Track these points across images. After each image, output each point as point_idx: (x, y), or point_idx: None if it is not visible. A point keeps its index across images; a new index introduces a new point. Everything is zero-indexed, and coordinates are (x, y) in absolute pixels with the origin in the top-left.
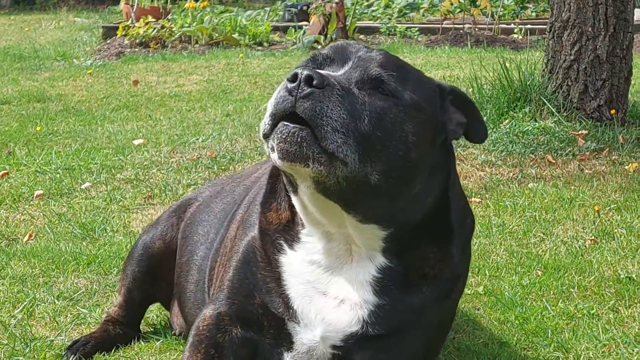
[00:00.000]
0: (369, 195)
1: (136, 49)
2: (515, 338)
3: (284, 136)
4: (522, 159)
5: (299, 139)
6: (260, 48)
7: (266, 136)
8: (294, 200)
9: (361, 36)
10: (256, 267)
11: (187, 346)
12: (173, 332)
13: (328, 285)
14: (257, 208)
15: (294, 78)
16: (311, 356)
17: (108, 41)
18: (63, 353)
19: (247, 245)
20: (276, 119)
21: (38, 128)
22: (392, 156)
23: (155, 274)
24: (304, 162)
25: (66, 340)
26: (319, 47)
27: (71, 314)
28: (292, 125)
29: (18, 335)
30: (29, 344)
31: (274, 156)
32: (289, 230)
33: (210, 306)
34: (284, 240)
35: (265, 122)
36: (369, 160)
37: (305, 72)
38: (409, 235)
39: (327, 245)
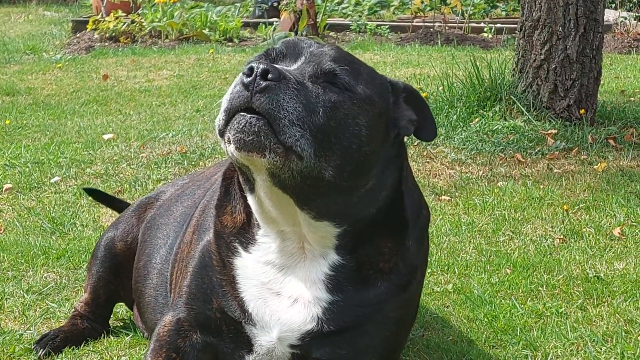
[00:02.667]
0: (323, 190)
1: (106, 43)
2: (484, 336)
3: (241, 126)
4: (492, 158)
5: (256, 129)
6: (230, 44)
7: (222, 132)
8: (250, 199)
9: (331, 33)
10: (212, 272)
11: (148, 351)
12: (142, 333)
13: (282, 285)
14: (211, 212)
15: (249, 72)
16: (271, 357)
17: (78, 35)
18: (32, 347)
19: (202, 250)
20: (231, 114)
21: (7, 121)
22: (346, 150)
23: (119, 274)
24: (260, 152)
25: (35, 334)
26: None
27: (40, 308)
28: (249, 115)
29: None
30: None
31: (231, 148)
32: (245, 233)
33: (170, 312)
34: (239, 242)
35: (219, 118)
36: (324, 154)
37: (262, 66)
38: (363, 231)
39: (281, 245)
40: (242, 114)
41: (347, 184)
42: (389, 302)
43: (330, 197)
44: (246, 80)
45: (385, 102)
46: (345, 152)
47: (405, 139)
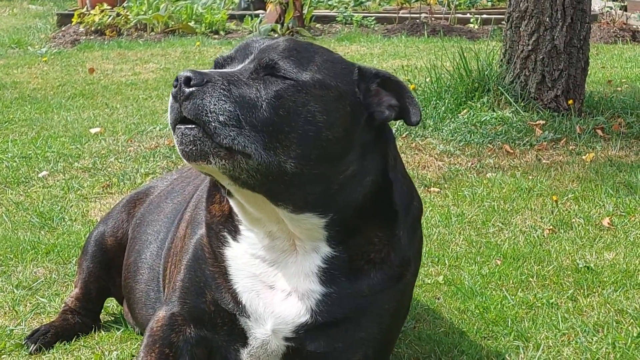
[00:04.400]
0: (292, 182)
1: (91, 37)
2: (475, 327)
3: (179, 138)
4: (480, 149)
5: (191, 138)
6: (216, 36)
7: None
8: (232, 203)
9: (318, 25)
10: (205, 264)
11: (141, 347)
12: (132, 328)
13: (275, 279)
14: (204, 205)
15: (175, 82)
16: (266, 350)
17: (63, 29)
18: (23, 342)
19: (195, 244)
20: (173, 128)
21: None
22: (303, 138)
23: (110, 269)
24: (205, 160)
25: (26, 329)
26: (276, 35)
27: (30, 303)
28: (183, 126)
29: None
30: None
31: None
32: (232, 222)
33: (164, 307)
34: (228, 232)
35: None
36: (279, 146)
37: (184, 74)
38: (352, 220)
39: (270, 243)
40: (178, 126)
41: (319, 172)
42: (383, 293)
43: (304, 188)
44: (173, 91)
45: (347, 86)
46: (303, 141)
47: (394, 130)
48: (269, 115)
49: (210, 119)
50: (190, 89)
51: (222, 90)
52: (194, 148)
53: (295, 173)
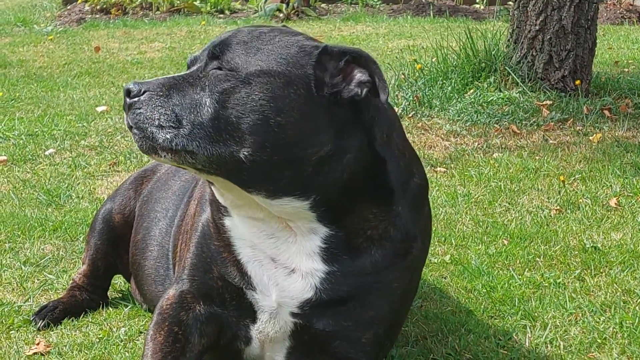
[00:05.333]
0: (254, 170)
1: (97, 15)
2: (482, 306)
3: (134, 137)
4: (487, 129)
5: (139, 138)
6: (222, 16)
7: None
8: (214, 190)
9: (323, 5)
10: (210, 239)
11: (150, 325)
12: (140, 304)
13: (275, 252)
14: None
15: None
16: (274, 326)
17: (68, 7)
18: (31, 318)
19: (203, 221)
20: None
21: (0, 94)
22: (253, 127)
23: (117, 246)
24: (155, 153)
25: (34, 305)
26: (281, 15)
27: (38, 279)
28: (132, 129)
29: None
30: None
31: None
32: None
33: (174, 286)
34: None
35: None
36: (229, 138)
37: (125, 87)
38: (339, 198)
39: (262, 224)
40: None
41: (281, 158)
42: (388, 270)
43: (270, 175)
44: (123, 103)
45: (301, 69)
46: (253, 130)
47: (400, 110)
48: (213, 110)
49: (147, 126)
50: (131, 101)
51: (158, 97)
52: (142, 144)
53: (254, 161)
